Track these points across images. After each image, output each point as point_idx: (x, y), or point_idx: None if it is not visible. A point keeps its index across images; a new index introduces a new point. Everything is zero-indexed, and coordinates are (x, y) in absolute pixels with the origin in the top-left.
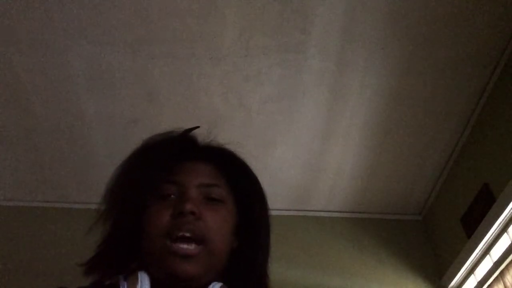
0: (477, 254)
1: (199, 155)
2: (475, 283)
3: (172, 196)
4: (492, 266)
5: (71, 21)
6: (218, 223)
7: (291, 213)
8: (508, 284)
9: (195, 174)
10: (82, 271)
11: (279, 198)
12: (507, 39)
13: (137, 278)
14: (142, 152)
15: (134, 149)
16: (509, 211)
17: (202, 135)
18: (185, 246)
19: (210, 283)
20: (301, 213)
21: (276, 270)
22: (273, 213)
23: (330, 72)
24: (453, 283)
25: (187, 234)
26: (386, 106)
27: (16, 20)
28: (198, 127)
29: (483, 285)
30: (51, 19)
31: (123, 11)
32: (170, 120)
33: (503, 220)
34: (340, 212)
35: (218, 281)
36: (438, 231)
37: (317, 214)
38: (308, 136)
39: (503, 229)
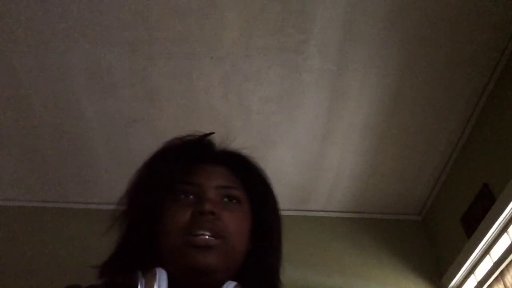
0: (477, 254)
1: (216, 158)
2: (475, 283)
3: (191, 197)
4: (492, 266)
5: (71, 21)
6: (236, 223)
7: (291, 213)
8: (508, 284)
9: (213, 176)
10: (97, 272)
11: (279, 198)
12: (507, 39)
13: (154, 274)
14: (161, 154)
15: (154, 151)
16: (509, 211)
17: (219, 140)
18: (205, 237)
19: (224, 282)
20: (301, 213)
21: None
22: None
23: (330, 72)
24: (453, 283)
25: (207, 233)
26: (386, 106)
27: (16, 20)
28: (213, 133)
29: (483, 285)
30: (51, 19)
31: (123, 11)
32: (170, 120)
33: (503, 220)
34: (340, 212)
35: (233, 281)
36: (438, 231)
37: (317, 214)
38: (308, 136)
39: (503, 229)
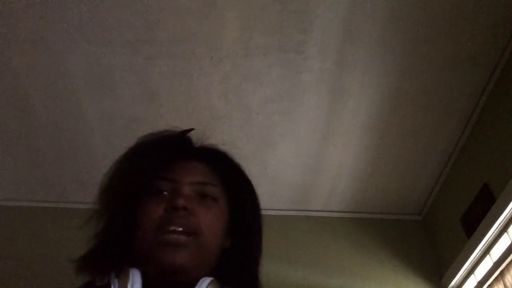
0: (477, 254)
1: (194, 154)
2: (475, 283)
3: (166, 192)
4: (492, 266)
5: (71, 21)
6: (210, 219)
7: (291, 213)
8: (508, 284)
9: (189, 172)
10: (74, 268)
11: (279, 198)
12: (507, 39)
13: (128, 275)
14: (137, 150)
15: (129, 147)
16: (509, 211)
17: (197, 136)
18: (175, 236)
19: (199, 279)
20: (301, 213)
21: (276, 270)
22: (273, 213)
23: (330, 72)
24: (453, 283)
25: (179, 228)
26: (386, 106)
27: (16, 20)
28: (193, 129)
29: (483, 285)
30: (51, 19)
31: (123, 11)
32: (170, 120)
33: (503, 220)
34: (340, 212)
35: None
36: (438, 231)
37: (317, 214)
38: (308, 136)
39: (503, 229)
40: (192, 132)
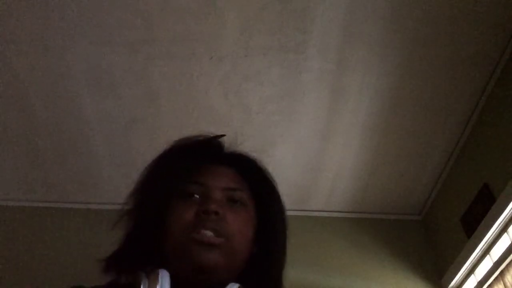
0: (477, 254)
1: (224, 160)
2: (475, 283)
3: (197, 196)
4: (492, 266)
5: (71, 21)
6: (240, 225)
7: (291, 213)
8: (508, 284)
9: (219, 177)
10: (102, 267)
11: None
12: (507, 39)
13: (157, 276)
14: (170, 153)
15: (162, 150)
16: (509, 211)
17: (228, 141)
18: (208, 235)
19: (228, 283)
20: (301, 213)
21: None
22: None
23: (330, 72)
24: (453, 283)
25: (210, 232)
26: (386, 106)
27: (16, 20)
28: (224, 135)
29: (483, 285)
30: (51, 19)
31: (123, 11)
32: (170, 120)
33: (503, 220)
34: (340, 212)
35: (236, 283)
36: (438, 231)
37: (317, 214)
38: (308, 136)
39: (503, 229)
40: (224, 138)
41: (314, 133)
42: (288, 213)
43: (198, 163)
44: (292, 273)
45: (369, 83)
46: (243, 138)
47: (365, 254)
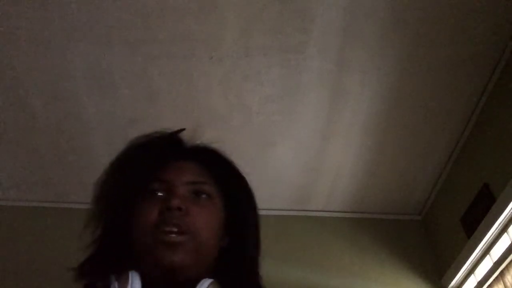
0: (477, 254)
1: (186, 154)
2: (475, 283)
3: (160, 193)
4: (492, 266)
5: (71, 21)
6: (205, 218)
7: (291, 213)
8: (508, 284)
9: (182, 172)
10: (74, 275)
11: (279, 198)
12: (507, 39)
13: (127, 278)
14: (129, 152)
15: (122, 149)
16: (509, 211)
17: (188, 135)
18: (171, 235)
19: (200, 280)
20: (301, 213)
21: (276, 270)
22: (273, 213)
23: (330, 72)
24: (453, 283)
25: (174, 229)
26: (386, 106)
27: (17, 20)
28: (184, 129)
29: (483, 285)
30: (51, 19)
31: (123, 11)
32: (170, 120)
33: (503, 220)
34: (340, 212)
35: (209, 278)
36: (438, 231)
37: (317, 214)
38: (308, 136)
39: (503, 229)
40: (183, 132)
41: (314, 133)
42: (288, 213)
43: (160, 160)
44: (292, 273)
45: (369, 83)
46: (243, 138)
47: (365, 254)
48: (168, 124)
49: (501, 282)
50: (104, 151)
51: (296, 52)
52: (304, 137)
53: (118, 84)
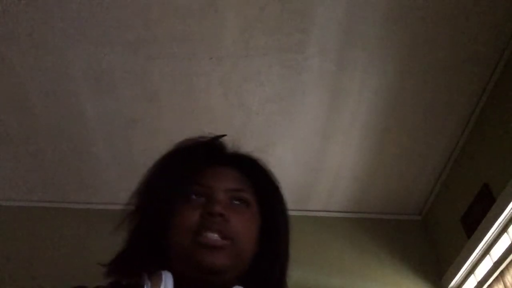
0: (477, 254)
1: (227, 161)
2: (475, 283)
3: (201, 198)
4: (492, 266)
5: (71, 21)
6: (244, 225)
7: (291, 213)
8: (508, 284)
9: (223, 178)
10: (105, 271)
11: None
12: (507, 39)
13: (160, 277)
14: (173, 155)
15: (165, 152)
16: (509, 211)
17: (230, 142)
18: (213, 238)
19: (232, 286)
20: (301, 213)
21: None
22: None
23: (330, 72)
24: (453, 283)
25: (215, 234)
26: (386, 106)
27: (16, 20)
28: (225, 135)
29: (483, 285)
30: (51, 19)
31: (123, 11)
32: (170, 120)
33: (503, 220)
34: (340, 212)
35: (239, 285)
36: (438, 231)
37: (317, 214)
38: (308, 136)
39: (503, 229)
40: (225, 138)
41: (314, 133)
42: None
43: (201, 165)
44: (292, 273)
45: (369, 83)
46: (243, 138)
47: (365, 254)
48: (168, 124)
49: (501, 282)
50: (104, 151)
51: (296, 52)
52: (304, 137)
53: (118, 84)
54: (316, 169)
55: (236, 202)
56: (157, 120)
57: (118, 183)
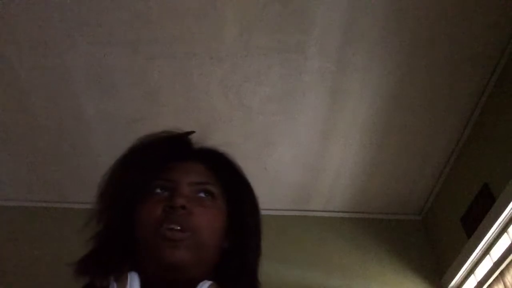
0: (477, 254)
1: (193, 156)
2: (475, 283)
3: (165, 192)
4: (492, 266)
5: (71, 21)
6: (208, 219)
7: (291, 213)
8: (508, 284)
9: (187, 172)
10: (73, 270)
11: (279, 198)
12: (507, 39)
13: (126, 278)
14: (135, 150)
15: (128, 147)
16: (509, 211)
17: (196, 137)
18: (172, 232)
19: (199, 282)
20: (301, 213)
21: (276, 270)
22: (273, 213)
23: (330, 72)
24: (453, 283)
25: (177, 227)
26: (386, 106)
27: (16, 20)
28: (194, 132)
29: (483, 285)
30: (51, 19)
31: (123, 11)
32: (170, 120)
33: (503, 220)
34: (340, 212)
35: (208, 280)
36: (438, 231)
37: (317, 214)
38: (308, 136)
39: (503, 229)
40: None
41: (314, 133)
42: (288, 213)
43: (166, 160)
44: (292, 273)
45: (369, 83)
46: (243, 138)
47: (365, 254)
48: (168, 124)
49: (501, 282)
50: (104, 151)
51: (296, 52)
52: (304, 137)
53: (118, 84)
54: (316, 169)
55: (201, 195)
56: (157, 120)
57: None
